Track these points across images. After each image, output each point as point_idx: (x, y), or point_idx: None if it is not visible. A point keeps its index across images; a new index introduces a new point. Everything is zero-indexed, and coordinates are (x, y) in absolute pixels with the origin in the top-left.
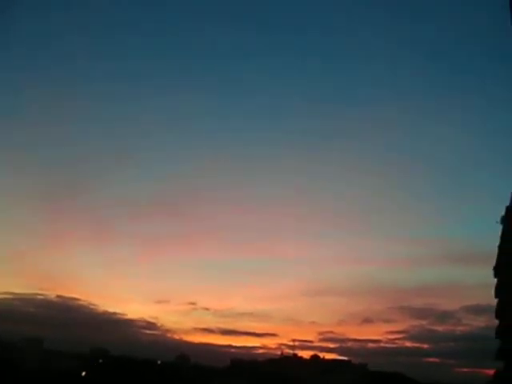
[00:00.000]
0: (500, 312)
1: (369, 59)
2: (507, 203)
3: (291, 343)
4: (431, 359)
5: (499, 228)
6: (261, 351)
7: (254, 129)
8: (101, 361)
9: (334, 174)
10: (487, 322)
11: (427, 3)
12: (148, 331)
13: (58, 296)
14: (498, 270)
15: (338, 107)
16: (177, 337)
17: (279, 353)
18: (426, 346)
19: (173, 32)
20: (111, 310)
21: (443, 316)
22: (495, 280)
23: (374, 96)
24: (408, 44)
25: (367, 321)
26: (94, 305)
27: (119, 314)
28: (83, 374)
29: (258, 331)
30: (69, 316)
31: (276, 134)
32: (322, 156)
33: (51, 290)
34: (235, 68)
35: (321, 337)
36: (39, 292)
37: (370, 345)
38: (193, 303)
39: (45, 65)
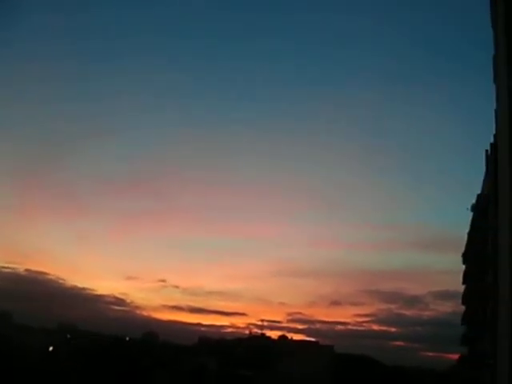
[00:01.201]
0: (467, 298)
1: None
2: (479, 191)
3: (260, 323)
4: (398, 343)
5: (470, 215)
6: (229, 330)
7: (229, 109)
8: (69, 336)
9: (306, 156)
10: (454, 308)
11: None
12: (117, 307)
13: (26, 270)
14: (466, 257)
15: (310, 89)
16: (146, 314)
17: (247, 332)
18: (393, 329)
19: (151, 9)
20: (80, 285)
21: (411, 301)
22: (463, 267)
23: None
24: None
25: (336, 303)
26: (62, 279)
27: (88, 289)
28: (50, 349)
29: (227, 310)
30: (37, 290)
31: (251, 115)
32: (296, 138)
33: (19, 264)
34: (213, 47)
35: (289, 318)
36: (7, 265)
37: (338, 327)
38: (163, 280)
39: (17, 41)
